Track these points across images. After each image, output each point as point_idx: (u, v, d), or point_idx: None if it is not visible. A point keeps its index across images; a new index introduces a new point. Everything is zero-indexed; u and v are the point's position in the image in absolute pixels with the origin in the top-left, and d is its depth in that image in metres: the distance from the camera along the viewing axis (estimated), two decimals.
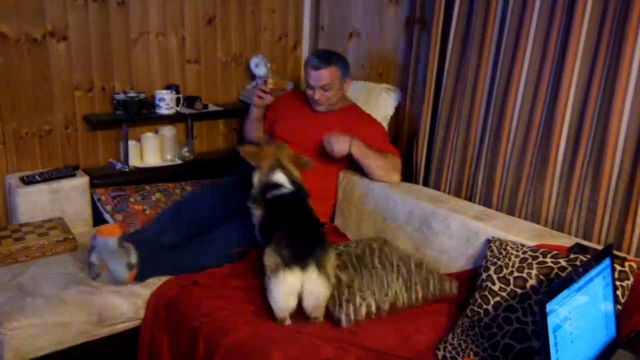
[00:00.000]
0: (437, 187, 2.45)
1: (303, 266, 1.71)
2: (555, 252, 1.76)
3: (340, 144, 2.31)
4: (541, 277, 1.70)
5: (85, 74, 2.60)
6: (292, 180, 2.06)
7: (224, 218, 2.29)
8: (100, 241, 1.96)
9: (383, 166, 2.39)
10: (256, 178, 2.09)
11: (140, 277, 2.04)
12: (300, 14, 3.25)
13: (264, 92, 2.55)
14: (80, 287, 2.01)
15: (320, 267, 1.73)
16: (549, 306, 1.25)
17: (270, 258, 1.77)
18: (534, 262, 1.75)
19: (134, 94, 2.66)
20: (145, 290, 2.08)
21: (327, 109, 2.51)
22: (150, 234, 2.24)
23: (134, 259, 2.00)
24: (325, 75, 2.39)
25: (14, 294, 1.95)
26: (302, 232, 1.85)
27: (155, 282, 2.10)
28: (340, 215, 2.59)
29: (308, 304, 1.75)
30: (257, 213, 2.06)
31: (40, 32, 2.43)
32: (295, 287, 1.71)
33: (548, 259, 1.73)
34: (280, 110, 2.64)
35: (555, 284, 1.29)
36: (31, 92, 2.48)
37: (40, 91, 2.50)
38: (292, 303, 1.73)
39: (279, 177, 2.04)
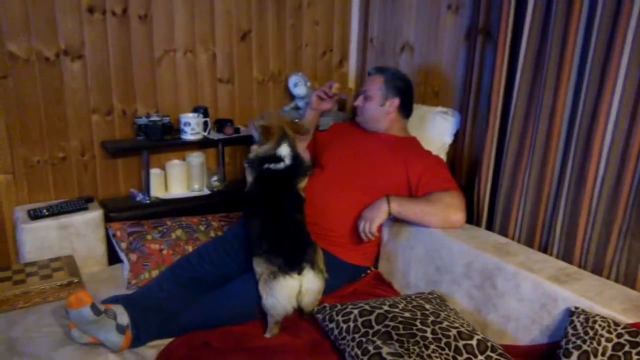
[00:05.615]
0: (503, 233, 2.04)
1: (299, 271, 1.79)
2: None
3: (375, 210, 2.00)
4: None
5: (103, 96, 2.37)
6: (294, 154, 2.03)
7: (232, 274, 1.98)
8: (74, 315, 1.67)
9: (435, 212, 1.99)
10: (256, 146, 2.09)
11: (138, 341, 1.74)
12: (347, 26, 2.92)
13: (327, 94, 2.33)
14: (77, 345, 1.74)
15: (314, 266, 1.83)
16: None
17: (263, 266, 1.83)
18: (634, 351, 1.32)
19: (156, 118, 2.41)
20: (151, 351, 1.78)
21: (368, 124, 2.28)
22: (147, 294, 1.94)
23: (123, 319, 1.71)
24: (369, 81, 2.28)
25: (1, 351, 1.71)
26: (287, 233, 1.90)
27: (164, 342, 1.79)
28: (385, 260, 2.20)
29: (306, 301, 1.83)
30: (248, 177, 2.08)
31: (52, 51, 2.22)
32: (296, 289, 1.80)
33: None
34: (333, 137, 2.38)
35: None
36: (43, 116, 2.27)
37: (53, 115, 2.29)
38: (294, 303, 1.80)
39: (284, 150, 2.01)
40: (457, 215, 2.00)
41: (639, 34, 1.58)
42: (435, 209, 1.98)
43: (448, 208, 1.99)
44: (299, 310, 1.85)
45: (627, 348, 1.33)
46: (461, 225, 2.01)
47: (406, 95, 2.26)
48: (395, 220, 2.11)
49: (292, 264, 1.79)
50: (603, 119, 1.68)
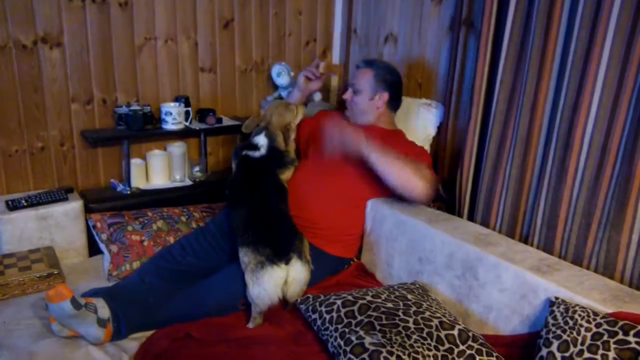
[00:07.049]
0: (485, 223, 2.04)
1: (287, 261, 1.79)
2: None
3: (355, 131, 1.96)
4: None
5: (83, 84, 2.33)
6: (271, 146, 2.07)
7: (215, 265, 1.97)
8: (54, 309, 1.64)
9: (404, 167, 1.93)
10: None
11: (119, 334, 1.73)
12: (330, 16, 2.90)
13: (314, 74, 2.31)
14: (57, 338, 1.72)
15: (302, 256, 1.83)
16: None
17: (251, 256, 1.81)
18: (612, 339, 1.33)
19: (137, 107, 2.37)
20: (133, 343, 1.76)
21: (356, 117, 2.25)
22: (128, 286, 1.92)
23: (104, 313, 1.69)
24: (358, 74, 2.23)
25: None
26: (273, 223, 1.91)
27: (145, 335, 1.77)
28: (368, 251, 2.21)
29: (292, 291, 1.83)
30: (233, 165, 2.13)
31: (30, 38, 2.17)
32: (283, 279, 1.80)
33: (631, 338, 1.31)
34: (319, 126, 2.32)
35: None
36: (21, 105, 2.22)
37: (31, 104, 2.24)
38: (280, 293, 1.80)
39: (260, 139, 2.08)
40: (421, 182, 1.93)
41: (621, 27, 1.58)
42: (406, 165, 1.92)
43: (417, 172, 1.93)
44: (282, 302, 1.85)
45: (605, 337, 1.34)
46: (419, 197, 1.97)
47: (396, 89, 2.24)
48: (378, 211, 2.10)
49: (279, 254, 1.79)
50: (584, 111, 1.69)
